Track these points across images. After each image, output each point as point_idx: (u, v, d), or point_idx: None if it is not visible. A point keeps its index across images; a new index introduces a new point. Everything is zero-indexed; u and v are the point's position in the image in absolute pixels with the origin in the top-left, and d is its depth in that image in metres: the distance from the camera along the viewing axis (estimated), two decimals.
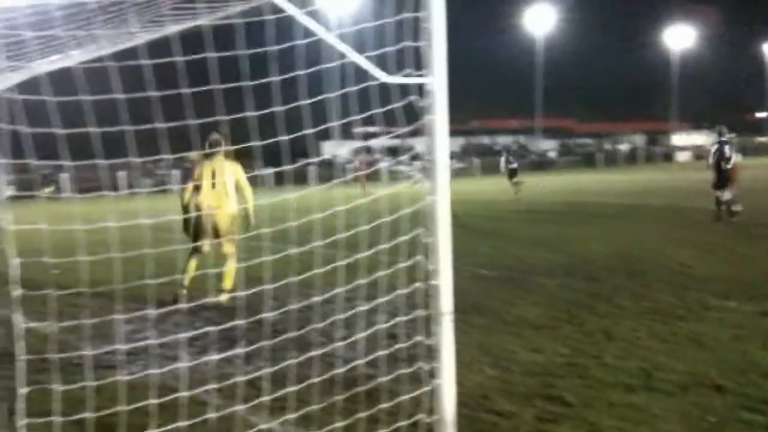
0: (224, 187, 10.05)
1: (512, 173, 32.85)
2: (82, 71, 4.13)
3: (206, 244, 10.01)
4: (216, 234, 10.04)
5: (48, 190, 38.40)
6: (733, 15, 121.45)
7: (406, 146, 11.92)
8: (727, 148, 18.99)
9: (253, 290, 5.22)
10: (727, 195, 18.65)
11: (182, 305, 5.12)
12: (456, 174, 60.07)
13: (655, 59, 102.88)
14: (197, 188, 10.15)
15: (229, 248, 10.19)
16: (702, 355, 7.10)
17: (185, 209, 10.10)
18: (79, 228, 4.27)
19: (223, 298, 9.92)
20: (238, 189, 10.24)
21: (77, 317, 6.37)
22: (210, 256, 10.07)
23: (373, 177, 35.42)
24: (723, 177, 18.81)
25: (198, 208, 9.94)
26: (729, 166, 18.75)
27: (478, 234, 17.62)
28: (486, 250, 14.71)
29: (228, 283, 10.15)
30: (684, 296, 9.73)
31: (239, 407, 5.12)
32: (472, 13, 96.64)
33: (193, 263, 10.20)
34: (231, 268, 10.12)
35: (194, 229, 10.06)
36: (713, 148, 19.66)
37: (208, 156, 10.10)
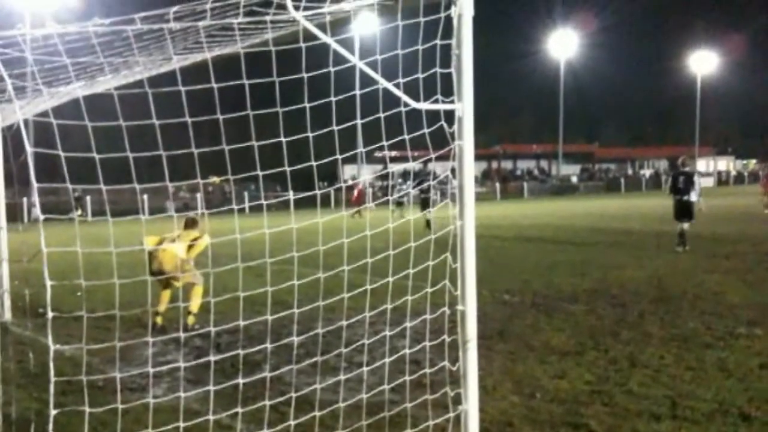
0: (178, 244, 10.55)
1: (425, 203, 25.59)
2: (117, 97, 4.20)
3: (162, 284, 10.57)
4: (163, 275, 10.41)
5: (77, 213, 38.89)
6: (757, 40, 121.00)
7: (428, 171, 11.99)
8: (681, 180, 18.48)
9: (280, 314, 5.24)
10: (686, 226, 18.34)
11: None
12: (477, 198, 59.91)
13: (680, 84, 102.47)
14: (161, 242, 10.66)
15: (187, 279, 10.49)
16: (729, 384, 7.02)
17: (148, 254, 10.48)
18: (109, 250, 4.32)
19: (190, 321, 10.35)
20: (192, 245, 10.69)
21: (103, 340, 6.44)
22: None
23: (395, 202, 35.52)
24: (678, 209, 18.50)
25: (151, 255, 10.38)
26: (686, 198, 18.32)
27: (502, 259, 17.56)
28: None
29: (194, 306, 10.45)
30: (712, 323, 9.62)
31: (264, 431, 5.13)
32: (497, 38, 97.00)
33: (165, 295, 10.74)
34: (197, 291, 10.53)
35: (149, 270, 10.50)
36: (671, 178, 19.32)
37: (185, 228, 10.92)
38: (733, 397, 6.58)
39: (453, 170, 4.48)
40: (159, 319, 10.43)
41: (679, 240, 18.35)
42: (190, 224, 11.12)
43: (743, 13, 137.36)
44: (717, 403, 6.44)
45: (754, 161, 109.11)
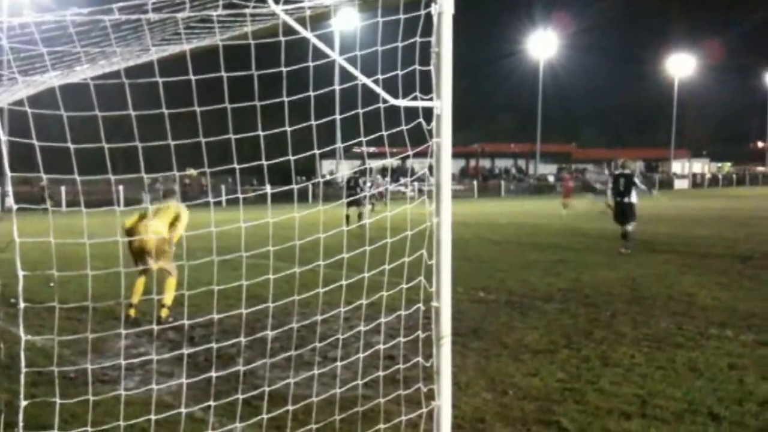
0: (158, 221, 10.61)
1: (352, 203, 25.46)
2: (94, 87, 4.17)
3: (143, 267, 10.45)
4: (144, 256, 10.43)
5: (49, 203, 38.45)
6: (735, 45, 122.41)
7: (406, 167, 12.04)
8: (622, 182, 18.79)
9: (254, 308, 5.23)
10: (626, 227, 18.62)
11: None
12: (454, 196, 60.30)
13: (657, 87, 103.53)
14: (140, 219, 10.71)
15: (163, 266, 10.50)
16: (698, 384, 7.11)
17: (127, 234, 10.44)
18: (83, 242, 4.29)
19: (163, 313, 10.30)
20: (174, 223, 10.65)
21: (75, 331, 6.39)
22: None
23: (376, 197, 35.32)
24: (619, 211, 18.81)
25: (131, 233, 10.40)
26: (627, 200, 18.64)
27: (479, 257, 17.64)
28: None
29: (168, 299, 10.44)
30: (683, 324, 9.74)
31: (236, 425, 5.13)
32: (478, 38, 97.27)
33: (140, 284, 10.62)
34: (170, 283, 10.50)
35: (129, 252, 10.54)
36: (611, 181, 19.77)
37: (164, 198, 11.07)
38: (703, 397, 6.67)
39: (431, 167, 4.50)
40: (132, 311, 10.33)
41: (622, 242, 18.52)
42: (169, 194, 11.08)
43: (721, 18, 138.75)
44: (686, 403, 6.52)
45: (729, 164, 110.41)
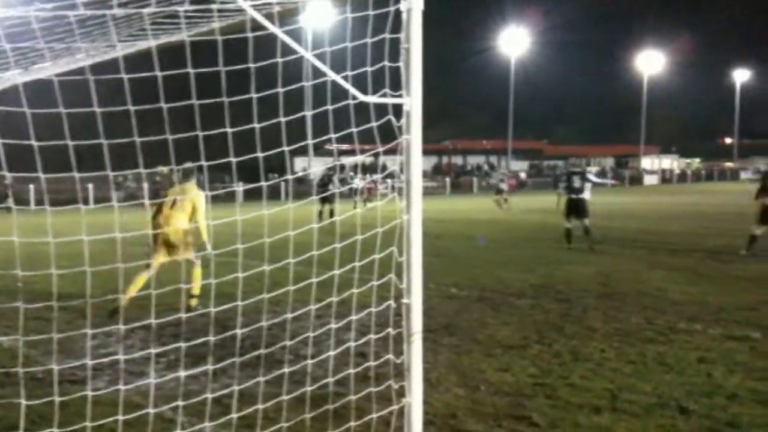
0: (178, 212, 10.74)
1: (325, 200, 25.26)
2: (60, 83, 4.10)
3: (159, 260, 10.45)
4: (170, 249, 10.56)
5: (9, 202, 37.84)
6: (704, 42, 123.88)
7: (378, 165, 12.05)
8: (576, 179, 19.40)
9: (224, 306, 5.19)
10: (582, 223, 19.18)
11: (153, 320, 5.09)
12: (427, 193, 60.51)
13: (627, 84, 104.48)
14: (160, 210, 10.93)
15: (187, 255, 10.54)
16: (668, 377, 7.18)
17: (152, 226, 10.58)
18: (48, 241, 4.22)
19: (193, 302, 10.40)
20: (193, 213, 10.79)
21: (43, 331, 6.30)
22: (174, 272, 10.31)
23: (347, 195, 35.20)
24: (572, 207, 19.33)
25: (154, 227, 10.52)
26: (581, 197, 19.24)
27: (451, 253, 17.68)
28: (484, 244, 14.76)
29: (196, 289, 10.54)
30: (653, 319, 9.84)
31: (206, 425, 5.08)
32: (450, 35, 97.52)
33: (142, 279, 10.41)
34: (196, 272, 10.58)
35: (153, 244, 10.67)
36: (563, 179, 20.39)
37: (180, 182, 11.06)
38: (672, 391, 6.74)
39: (402, 164, 4.49)
40: (123, 303, 9.90)
41: (586, 238, 18.92)
42: (189, 175, 11.02)
43: (690, 15, 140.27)
44: (656, 397, 6.59)
45: (697, 160, 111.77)
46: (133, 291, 10.19)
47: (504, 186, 40.30)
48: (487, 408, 6.37)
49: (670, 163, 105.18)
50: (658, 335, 8.91)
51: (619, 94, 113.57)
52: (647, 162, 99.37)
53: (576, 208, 19.20)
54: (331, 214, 23.91)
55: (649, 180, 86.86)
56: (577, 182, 19.29)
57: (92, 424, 4.57)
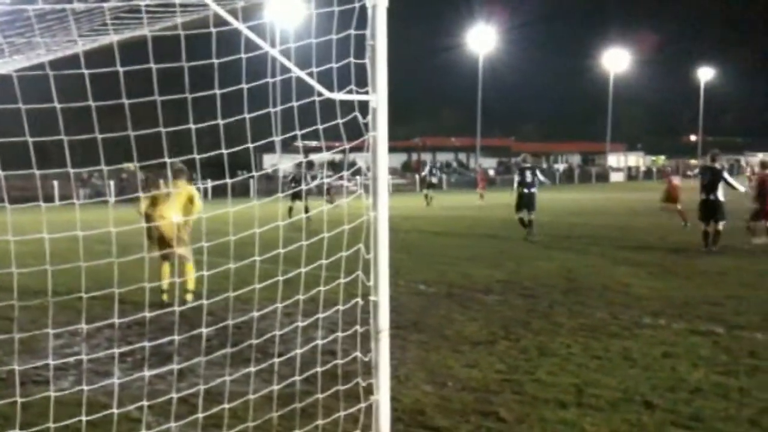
0: (173, 205, 11.05)
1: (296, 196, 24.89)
2: (18, 78, 4.04)
3: (157, 252, 10.80)
4: (164, 242, 10.84)
5: None
6: (668, 39, 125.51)
7: (347, 161, 12.06)
8: (528, 174, 20.74)
9: (190, 305, 5.15)
10: (530, 215, 20.54)
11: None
12: (396, 190, 60.56)
13: (593, 81, 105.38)
14: (154, 203, 11.12)
15: (181, 251, 10.81)
16: (633, 372, 7.26)
17: (146, 219, 10.86)
18: (9, 239, 4.16)
19: (188, 297, 10.58)
20: (190, 204, 11.17)
21: (6, 331, 6.20)
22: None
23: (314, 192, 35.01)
24: (524, 200, 20.60)
25: (149, 220, 10.82)
26: (532, 191, 20.58)
27: (419, 250, 17.71)
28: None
29: (191, 284, 10.79)
30: (618, 314, 9.94)
31: (172, 424, 5.04)
32: (418, 32, 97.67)
33: (165, 268, 11.07)
34: (189, 268, 10.91)
35: (147, 238, 10.85)
36: (516, 174, 21.69)
37: (174, 178, 11.08)
38: (637, 386, 6.82)
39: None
40: (165, 296, 10.64)
41: (528, 230, 20.31)
42: (178, 174, 11.10)
43: (655, 12, 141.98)
44: (621, 391, 6.66)
45: (662, 157, 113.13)
46: (166, 283, 10.75)
47: (435, 180, 41.85)
48: (455, 404, 6.40)
49: (635, 160, 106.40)
50: (623, 330, 9.00)
51: (586, 92, 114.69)
52: (613, 159, 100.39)
53: (528, 202, 20.51)
54: (306, 210, 23.92)
55: (616, 177, 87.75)
56: (528, 177, 20.63)
57: (56, 425, 4.51)
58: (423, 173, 46.55)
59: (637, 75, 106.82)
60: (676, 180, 24.45)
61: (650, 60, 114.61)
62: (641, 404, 6.33)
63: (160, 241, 10.85)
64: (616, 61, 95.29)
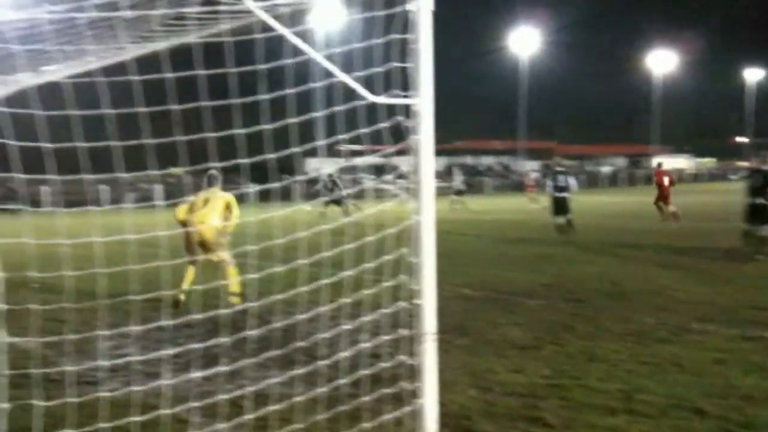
0: (212, 210, 11.30)
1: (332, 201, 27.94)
2: (70, 85, 4.12)
3: (196, 258, 10.95)
4: (204, 247, 11.09)
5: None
6: (714, 41, 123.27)
7: (391, 165, 12.12)
8: (561, 178, 21.23)
9: (237, 308, 5.20)
10: (567, 218, 21.06)
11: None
12: (440, 193, 60.17)
13: (638, 83, 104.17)
14: (192, 209, 11.35)
15: (221, 256, 11.10)
16: (683, 378, 7.13)
17: (182, 225, 11.09)
18: (64, 242, 4.24)
19: (234, 300, 10.62)
20: (228, 210, 11.44)
21: (59, 332, 6.32)
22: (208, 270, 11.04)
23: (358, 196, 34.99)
24: (559, 204, 21.05)
25: (187, 226, 10.99)
26: (565, 195, 21.08)
27: (462, 254, 17.65)
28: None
29: (234, 287, 10.89)
30: (666, 319, 9.78)
31: (221, 425, 5.09)
32: (459, 35, 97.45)
33: (190, 273, 11.07)
34: (231, 272, 11.06)
35: (186, 243, 11.05)
36: (550, 179, 22.15)
37: (209, 185, 11.51)
38: (687, 392, 6.69)
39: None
40: (182, 296, 10.74)
41: (567, 232, 20.83)
42: (213, 181, 11.46)
43: (701, 14, 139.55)
44: (671, 398, 6.54)
45: (711, 159, 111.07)
46: (186, 285, 10.81)
47: (463, 186, 41.71)
48: (501, 409, 6.35)
49: (683, 162, 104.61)
50: (672, 335, 8.86)
51: (630, 94, 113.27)
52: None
53: (561, 206, 20.97)
54: (345, 213, 24.46)
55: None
56: (562, 181, 21.13)
57: (107, 425, 4.59)
58: (455, 182, 44.87)
59: (683, 76, 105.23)
60: (666, 180, 24.92)
61: (696, 61, 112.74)
62: (691, 411, 6.21)
63: (201, 246, 11.02)
64: (662, 62, 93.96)
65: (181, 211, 11.31)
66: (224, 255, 11.07)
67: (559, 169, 21.59)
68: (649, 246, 18.77)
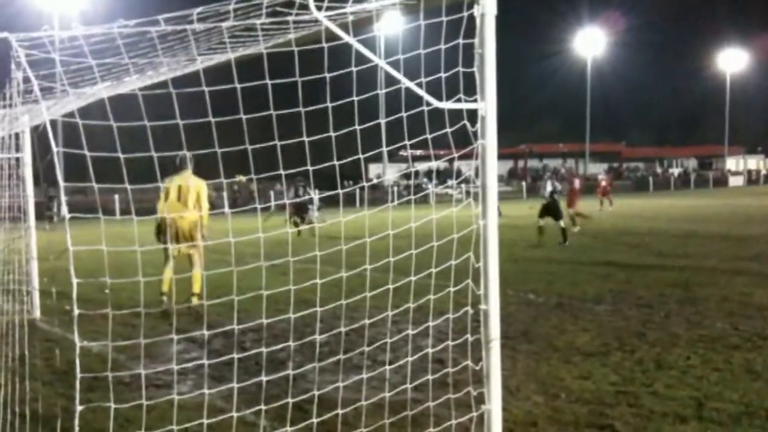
0: (187, 200, 10.87)
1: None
2: (140, 97, 4.24)
3: (173, 249, 10.77)
4: (180, 239, 10.76)
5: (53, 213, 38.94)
6: None
7: (453, 169, 12.07)
8: (549, 183, 22.22)
9: (302, 312, 5.26)
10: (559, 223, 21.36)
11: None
12: (503, 197, 59.89)
13: (708, 83, 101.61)
14: (166, 197, 11.02)
15: (194, 253, 10.83)
16: (756, 385, 6.93)
17: (163, 219, 10.88)
18: (135, 249, 4.36)
19: (195, 301, 10.56)
20: (198, 202, 10.94)
21: (130, 337, 6.50)
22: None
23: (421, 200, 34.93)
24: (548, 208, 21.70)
25: (163, 218, 10.79)
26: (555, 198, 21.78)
27: (527, 259, 17.49)
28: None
29: (197, 287, 10.68)
30: (739, 325, 9.52)
31: (287, 429, 5.15)
32: (524, 37, 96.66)
33: (167, 271, 10.80)
34: (198, 273, 10.71)
35: (162, 235, 10.84)
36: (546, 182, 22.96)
37: (176, 171, 10.91)
38: (761, 399, 6.51)
39: (477, 169, 4.47)
40: (166, 299, 10.59)
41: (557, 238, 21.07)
42: (184, 163, 10.88)
43: None
44: (744, 405, 6.37)
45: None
46: (166, 287, 10.66)
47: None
48: (568, 416, 6.27)
49: (756, 163, 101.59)
50: (745, 342, 8.61)
51: (700, 94, 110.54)
52: (732, 163, 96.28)
53: (553, 209, 21.64)
54: (296, 225, 23.17)
55: (734, 181, 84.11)
56: (549, 186, 22.12)
57: (178, 427, 4.69)
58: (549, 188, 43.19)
59: (755, 75, 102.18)
60: (577, 183, 24.61)
61: (767, 60, 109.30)
62: (765, 419, 6.04)
63: (177, 237, 10.63)
64: (732, 61, 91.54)
65: (161, 203, 10.89)
66: (196, 254, 10.72)
67: (548, 173, 22.14)
68: (722, 250, 18.27)
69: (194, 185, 10.87)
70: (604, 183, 40.69)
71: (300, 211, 24.53)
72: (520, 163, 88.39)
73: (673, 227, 25.59)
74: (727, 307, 10.79)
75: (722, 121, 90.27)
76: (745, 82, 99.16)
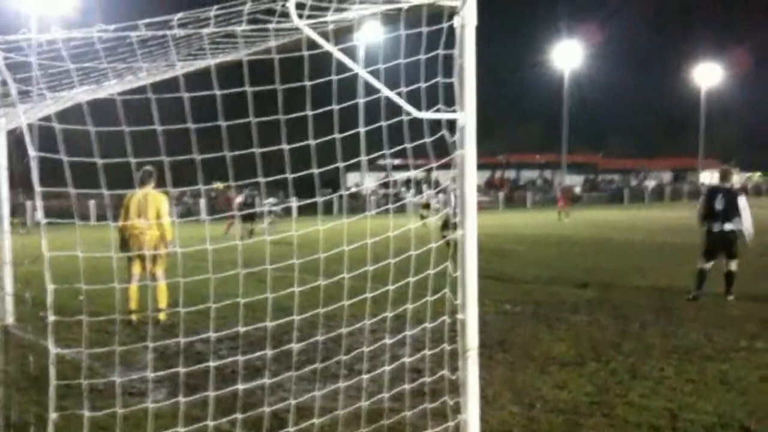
0: (147, 215, 10.78)
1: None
2: (117, 101, 4.22)
3: (137, 266, 10.82)
4: (142, 259, 10.70)
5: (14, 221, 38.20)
6: (761, 53, 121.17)
7: (431, 179, 12.10)
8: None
9: (279, 321, 5.24)
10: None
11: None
12: (480, 207, 59.99)
13: (684, 96, 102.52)
14: (126, 215, 10.94)
15: (158, 268, 10.85)
16: (729, 396, 7.00)
17: (120, 231, 10.86)
18: (111, 255, 4.33)
19: (162, 316, 10.60)
20: (158, 217, 10.89)
21: (104, 344, 6.44)
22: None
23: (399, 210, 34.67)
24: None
25: (125, 232, 10.83)
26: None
27: (504, 269, 17.55)
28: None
29: (163, 302, 10.70)
30: (713, 336, 9.61)
31: None
32: (502, 48, 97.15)
33: (133, 287, 10.73)
34: (162, 286, 10.74)
35: (125, 251, 10.71)
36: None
37: (140, 186, 10.71)
38: (734, 410, 6.57)
39: (455, 179, 4.48)
40: (134, 317, 10.54)
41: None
42: (146, 178, 10.74)
43: (747, 27, 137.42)
44: (717, 416, 6.42)
45: (758, 173, 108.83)
46: (134, 305, 10.65)
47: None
48: (543, 426, 6.29)
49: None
50: (719, 353, 8.69)
51: (675, 107, 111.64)
52: (706, 176, 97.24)
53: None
54: (251, 233, 23.97)
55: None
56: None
57: None
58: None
59: (729, 89, 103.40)
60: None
61: (743, 74, 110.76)
62: (738, 430, 6.10)
63: (139, 257, 10.58)
64: (708, 75, 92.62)
65: (123, 215, 10.87)
66: (160, 269, 10.75)
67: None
68: (694, 262, 18.42)
69: (152, 200, 10.80)
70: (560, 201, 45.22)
71: (250, 219, 25.44)
72: (497, 173, 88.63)
73: (649, 238, 25.80)
74: (701, 318, 10.89)
75: (697, 135, 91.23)
76: (720, 96, 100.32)
